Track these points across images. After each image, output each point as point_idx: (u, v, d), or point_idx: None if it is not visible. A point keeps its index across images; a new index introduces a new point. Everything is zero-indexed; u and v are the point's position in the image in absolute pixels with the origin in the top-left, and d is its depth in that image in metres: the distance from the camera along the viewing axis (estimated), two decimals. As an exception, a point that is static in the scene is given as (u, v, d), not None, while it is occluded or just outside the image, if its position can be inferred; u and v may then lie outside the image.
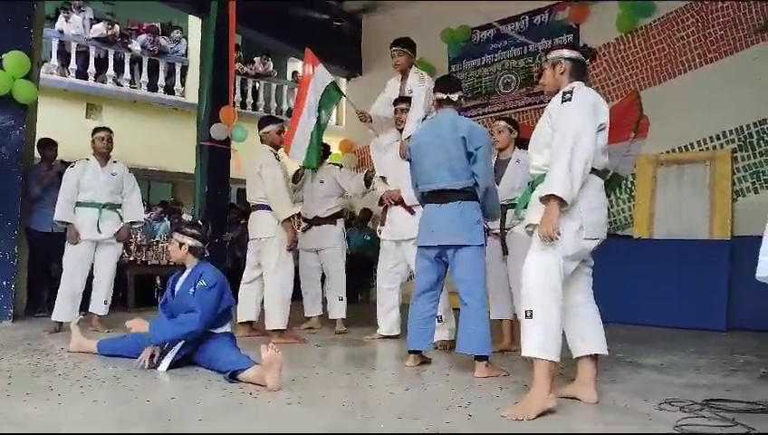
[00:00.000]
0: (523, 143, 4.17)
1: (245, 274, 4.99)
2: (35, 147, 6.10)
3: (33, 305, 5.84)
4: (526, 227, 2.86)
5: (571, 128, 2.64)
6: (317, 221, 5.45)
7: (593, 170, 2.72)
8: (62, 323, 4.80)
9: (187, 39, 11.47)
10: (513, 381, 3.25)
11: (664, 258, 5.92)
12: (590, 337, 2.82)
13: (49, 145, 6.13)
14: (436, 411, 2.65)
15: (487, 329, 3.41)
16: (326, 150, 5.63)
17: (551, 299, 2.61)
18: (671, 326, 5.59)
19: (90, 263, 5.04)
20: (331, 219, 5.46)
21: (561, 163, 2.60)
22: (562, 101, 2.73)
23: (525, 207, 2.90)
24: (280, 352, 2.94)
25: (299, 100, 5.05)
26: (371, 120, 5.08)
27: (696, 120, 6.33)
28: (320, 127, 5.06)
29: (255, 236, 4.84)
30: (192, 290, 3.47)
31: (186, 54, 11.45)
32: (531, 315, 2.63)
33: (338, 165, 5.72)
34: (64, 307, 4.85)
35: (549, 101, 2.86)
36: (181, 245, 3.57)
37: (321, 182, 5.47)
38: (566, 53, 2.90)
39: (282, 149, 4.98)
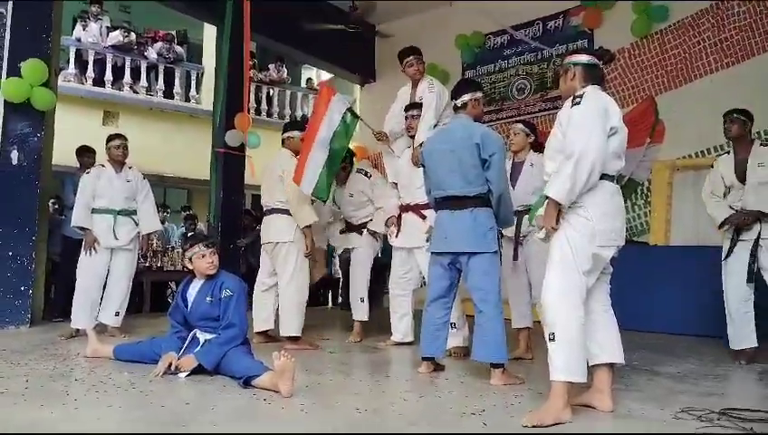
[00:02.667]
0: (540, 147, 4.15)
1: (259, 280, 4.95)
2: (75, 154, 6.21)
3: (50, 311, 5.89)
4: (539, 236, 2.85)
5: (578, 133, 2.64)
6: (349, 228, 5.31)
7: (606, 176, 2.71)
8: (78, 329, 4.84)
9: (202, 46, 11.57)
10: (528, 389, 3.23)
11: (680, 265, 5.85)
12: (608, 346, 2.80)
13: (87, 152, 6.22)
14: (450, 419, 2.64)
15: (503, 336, 3.38)
16: (351, 155, 5.37)
17: (572, 319, 2.62)
18: (688, 334, 5.52)
19: (106, 269, 5.03)
20: (362, 228, 5.26)
21: (566, 167, 2.62)
22: (572, 106, 2.73)
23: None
24: (293, 359, 2.94)
25: (310, 132, 4.70)
26: (387, 138, 5.03)
27: (712, 126, 6.21)
28: (333, 160, 4.74)
29: (270, 239, 4.77)
30: (210, 299, 3.49)
31: (200, 62, 11.54)
32: (553, 338, 2.63)
33: (365, 172, 5.34)
34: (83, 314, 4.87)
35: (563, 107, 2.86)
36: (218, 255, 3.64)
37: (351, 196, 5.27)
38: (575, 58, 2.91)
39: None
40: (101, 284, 5.02)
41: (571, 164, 2.60)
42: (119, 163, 5.13)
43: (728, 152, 4.55)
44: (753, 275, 4.17)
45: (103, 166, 5.12)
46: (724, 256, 4.34)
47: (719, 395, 3.16)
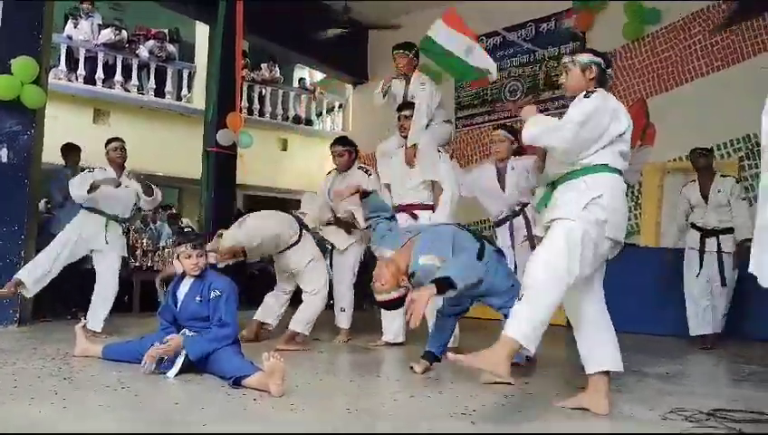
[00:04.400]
0: (522, 152, 4.15)
1: (276, 290, 4.99)
2: (59, 152, 6.15)
3: (38, 310, 5.83)
4: (546, 223, 2.80)
5: (569, 116, 2.69)
6: (337, 222, 5.16)
7: (617, 171, 2.75)
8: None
9: (194, 45, 11.53)
10: (518, 389, 3.23)
11: (670, 267, 5.88)
12: (605, 353, 2.76)
13: (73, 150, 6.15)
14: (440, 419, 2.64)
15: None
16: (356, 151, 5.23)
17: (548, 290, 2.55)
18: (677, 335, 5.55)
19: (79, 257, 4.97)
20: (351, 227, 5.12)
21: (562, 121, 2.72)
22: (584, 96, 2.74)
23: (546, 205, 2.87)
24: (282, 360, 2.94)
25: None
26: (388, 90, 5.04)
27: (702, 129, 6.30)
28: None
29: (292, 269, 4.76)
30: (199, 299, 3.47)
31: (192, 60, 11.50)
32: (521, 298, 2.57)
33: (365, 169, 5.13)
34: (29, 272, 4.76)
35: (570, 104, 2.83)
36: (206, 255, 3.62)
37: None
38: (593, 57, 2.89)
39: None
40: (62, 265, 4.88)
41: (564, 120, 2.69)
42: (119, 166, 5.08)
43: (694, 181, 5.43)
44: (725, 279, 5.20)
45: (105, 170, 5.05)
46: (686, 261, 5.41)
47: (708, 396, 3.18)
